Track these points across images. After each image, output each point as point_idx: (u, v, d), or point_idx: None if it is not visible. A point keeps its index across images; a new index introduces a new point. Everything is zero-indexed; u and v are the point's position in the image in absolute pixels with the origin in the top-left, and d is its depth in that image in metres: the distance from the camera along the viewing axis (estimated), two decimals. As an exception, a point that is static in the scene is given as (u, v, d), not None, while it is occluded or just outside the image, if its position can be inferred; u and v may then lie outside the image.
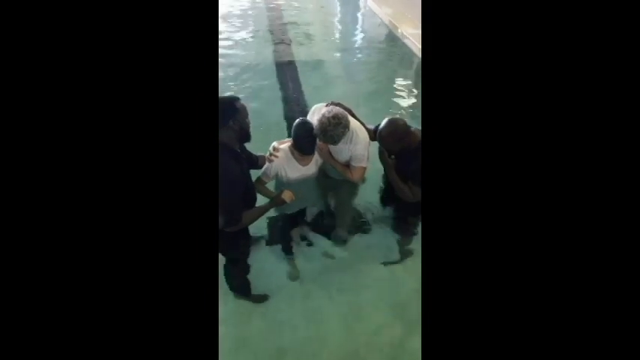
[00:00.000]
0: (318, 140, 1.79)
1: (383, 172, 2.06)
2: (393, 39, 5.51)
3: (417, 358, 0.80)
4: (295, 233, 2.31)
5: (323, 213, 2.38)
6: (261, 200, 1.79)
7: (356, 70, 4.81)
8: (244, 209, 1.61)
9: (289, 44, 5.25)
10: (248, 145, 1.78)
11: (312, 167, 1.95)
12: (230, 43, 5.14)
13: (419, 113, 3.43)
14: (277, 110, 3.65)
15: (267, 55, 4.88)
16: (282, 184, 1.92)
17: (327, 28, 6.13)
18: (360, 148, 1.90)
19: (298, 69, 4.52)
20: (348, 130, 1.79)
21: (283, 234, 2.29)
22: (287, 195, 1.70)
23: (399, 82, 4.36)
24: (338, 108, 1.79)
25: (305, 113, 2.05)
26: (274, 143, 1.88)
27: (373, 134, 1.92)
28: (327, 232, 2.33)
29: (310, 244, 2.32)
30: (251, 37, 5.44)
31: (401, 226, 2.36)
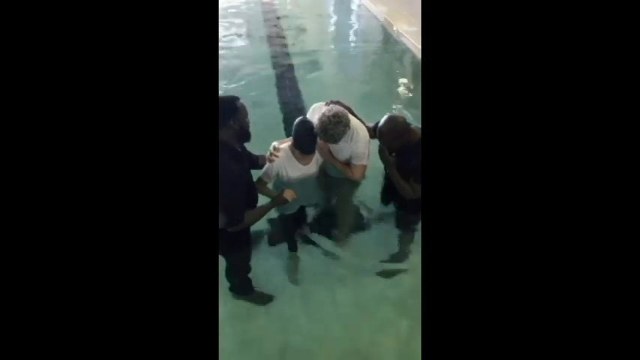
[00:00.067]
0: (318, 139, 1.79)
1: (383, 170, 2.05)
2: (387, 37, 5.50)
3: (420, 355, 0.80)
4: (296, 233, 2.31)
5: (324, 212, 2.37)
6: (262, 200, 1.78)
7: (351, 67, 4.80)
8: (247, 209, 1.60)
9: (284, 42, 5.25)
10: (248, 145, 1.77)
11: (312, 166, 1.94)
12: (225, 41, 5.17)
13: (417, 111, 3.43)
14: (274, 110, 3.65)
15: (263, 53, 4.88)
16: (282, 183, 1.91)
17: (322, 24, 6.14)
18: (360, 146, 1.90)
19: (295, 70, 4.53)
20: (349, 128, 1.78)
21: (286, 233, 2.29)
22: (289, 194, 1.70)
23: (396, 79, 4.35)
24: (338, 106, 1.79)
25: (303, 111, 2.04)
26: (274, 143, 1.87)
27: (373, 132, 1.92)
28: (328, 231, 2.33)
29: (311, 243, 2.31)
30: (245, 35, 5.47)
31: (402, 223, 2.36)
